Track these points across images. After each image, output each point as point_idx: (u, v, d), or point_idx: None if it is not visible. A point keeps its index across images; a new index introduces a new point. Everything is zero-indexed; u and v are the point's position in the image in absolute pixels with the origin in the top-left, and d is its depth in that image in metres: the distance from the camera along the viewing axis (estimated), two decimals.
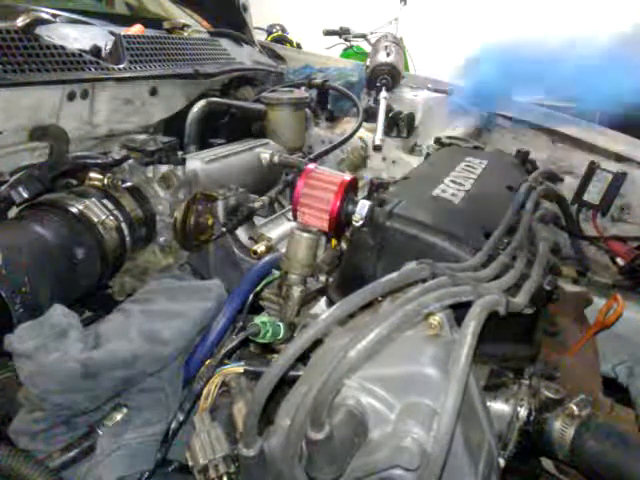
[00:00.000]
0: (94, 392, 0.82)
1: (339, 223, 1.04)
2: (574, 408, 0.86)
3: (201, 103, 1.65)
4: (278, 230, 1.33)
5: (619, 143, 1.77)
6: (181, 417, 0.87)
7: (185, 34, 1.93)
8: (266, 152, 1.63)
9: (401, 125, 1.96)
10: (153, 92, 1.59)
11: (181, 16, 2.27)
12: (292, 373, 0.74)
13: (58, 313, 0.89)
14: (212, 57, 1.94)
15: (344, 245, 1.18)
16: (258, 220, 1.35)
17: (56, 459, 0.80)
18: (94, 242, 1.06)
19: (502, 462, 0.80)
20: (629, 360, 1.44)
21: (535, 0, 4.54)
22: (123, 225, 1.13)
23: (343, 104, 2.13)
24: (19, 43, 1.24)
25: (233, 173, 1.48)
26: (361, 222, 0.98)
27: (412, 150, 1.98)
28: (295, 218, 1.08)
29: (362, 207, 0.99)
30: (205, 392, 0.89)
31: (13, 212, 1.09)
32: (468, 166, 1.29)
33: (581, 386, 1.14)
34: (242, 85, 2.10)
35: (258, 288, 1.05)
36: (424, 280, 0.73)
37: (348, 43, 4.38)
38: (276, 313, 1.09)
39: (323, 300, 1.09)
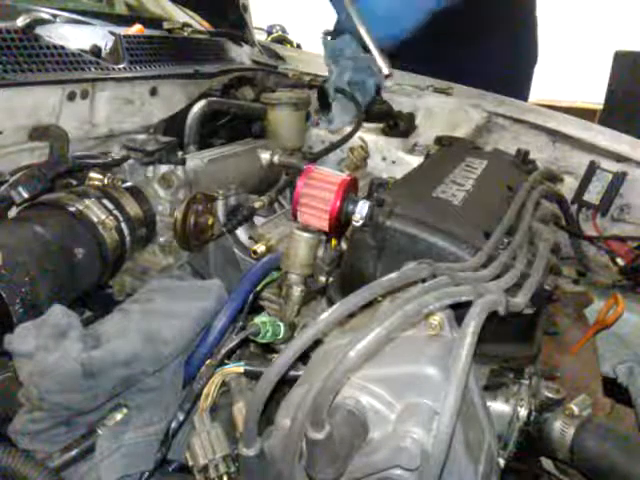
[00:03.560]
0: (94, 392, 0.82)
1: (339, 223, 1.04)
2: (574, 408, 0.86)
3: (201, 103, 1.65)
4: (278, 230, 1.33)
5: (619, 143, 1.77)
6: (181, 417, 0.87)
7: (185, 34, 1.93)
8: (266, 152, 1.63)
9: (401, 125, 1.96)
10: (153, 92, 1.59)
11: (181, 16, 2.27)
12: (292, 373, 0.74)
13: (58, 313, 0.89)
14: (212, 57, 1.94)
15: (344, 245, 1.18)
16: (258, 220, 1.35)
17: (56, 459, 0.80)
18: (94, 242, 1.06)
19: (502, 462, 0.80)
20: (629, 360, 1.44)
21: None
22: (123, 225, 1.13)
23: None
24: (19, 43, 1.24)
25: (233, 173, 1.48)
26: (361, 222, 0.98)
27: (412, 150, 1.97)
28: (295, 218, 1.08)
29: (362, 207, 0.99)
30: (205, 392, 0.89)
31: (13, 212, 1.09)
32: (468, 166, 1.29)
33: (581, 386, 1.14)
34: (242, 85, 2.10)
35: (258, 288, 1.05)
36: (424, 280, 0.73)
37: None
38: (276, 313, 1.09)
39: (323, 300, 1.09)
